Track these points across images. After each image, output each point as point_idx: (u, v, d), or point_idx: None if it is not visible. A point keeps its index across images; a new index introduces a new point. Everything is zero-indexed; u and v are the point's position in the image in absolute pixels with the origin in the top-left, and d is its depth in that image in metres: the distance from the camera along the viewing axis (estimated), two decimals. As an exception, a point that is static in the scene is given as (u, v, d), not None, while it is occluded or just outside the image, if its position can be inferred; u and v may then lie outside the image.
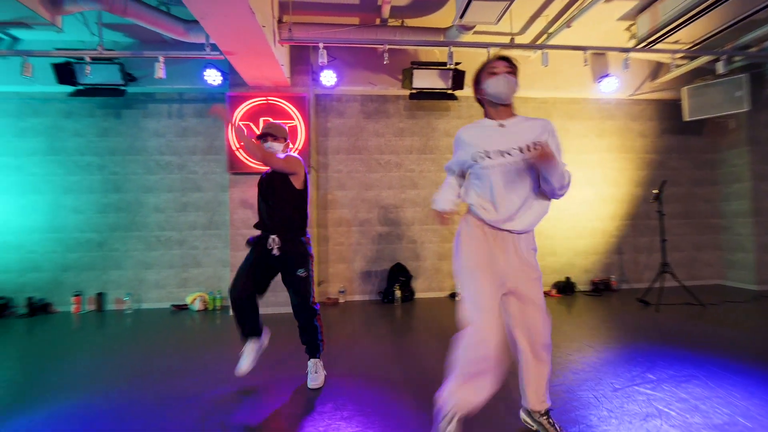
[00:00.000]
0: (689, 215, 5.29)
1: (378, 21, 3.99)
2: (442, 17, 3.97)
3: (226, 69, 4.29)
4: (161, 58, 3.56)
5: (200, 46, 3.68)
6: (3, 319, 4.26)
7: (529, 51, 4.45)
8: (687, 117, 4.78)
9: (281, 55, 3.87)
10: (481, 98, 1.70)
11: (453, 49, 3.92)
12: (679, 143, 5.29)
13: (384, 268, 4.81)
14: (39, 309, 4.43)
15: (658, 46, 4.04)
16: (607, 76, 4.79)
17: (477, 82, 1.67)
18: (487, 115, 1.69)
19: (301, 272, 2.26)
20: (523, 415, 1.79)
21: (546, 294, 4.85)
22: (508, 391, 2.06)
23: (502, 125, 1.62)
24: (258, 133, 2.59)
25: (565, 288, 4.84)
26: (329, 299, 4.68)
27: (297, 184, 2.29)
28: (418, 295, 4.86)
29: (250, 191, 4.39)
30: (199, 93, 4.72)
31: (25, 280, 4.52)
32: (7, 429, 1.86)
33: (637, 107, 5.25)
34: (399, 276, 4.69)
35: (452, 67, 4.28)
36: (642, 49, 4.04)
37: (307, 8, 3.85)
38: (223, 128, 4.67)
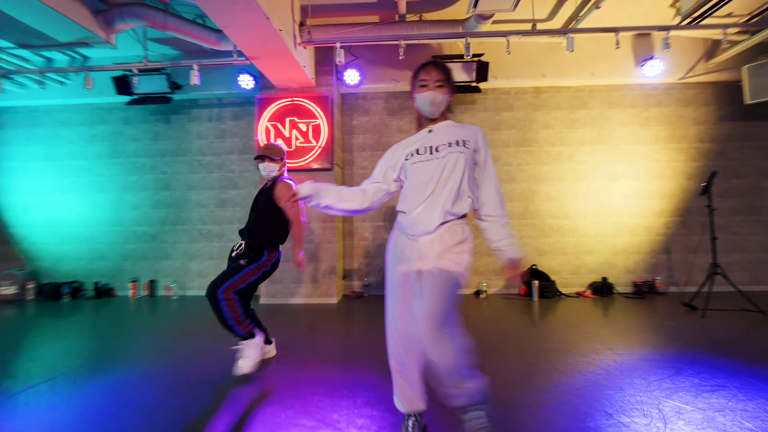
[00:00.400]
0: (754, 211, 4.68)
1: (396, 17, 4.02)
2: (461, 8, 3.90)
3: (257, 74, 4.58)
4: (195, 66, 3.90)
5: (230, 53, 3.97)
6: (76, 300, 4.93)
7: (559, 37, 4.22)
8: (748, 100, 4.22)
9: (303, 56, 4.05)
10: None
11: (476, 39, 3.84)
12: (742, 130, 4.69)
13: (407, 263, 4.83)
14: (103, 293, 5.07)
15: (707, 21, 3.62)
16: (650, 58, 4.39)
17: (411, 90, 1.58)
18: (419, 126, 1.63)
19: (242, 261, 2.40)
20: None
21: (580, 294, 4.58)
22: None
23: (430, 131, 1.55)
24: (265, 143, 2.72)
25: (601, 289, 4.52)
26: (354, 293, 4.81)
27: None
28: (442, 291, 4.82)
29: (278, 188, 4.65)
30: (235, 97, 5.08)
31: (93, 267, 5.19)
32: (85, 391, 2.18)
33: (690, 91, 4.73)
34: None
35: (474, 59, 4.20)
36: (687, 27, 3.65)
37: (327, 10, 4.00)
38: (247, 129, 4.99)
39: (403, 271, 1.49)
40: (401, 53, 3.68)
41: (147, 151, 5.21)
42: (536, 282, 4.40)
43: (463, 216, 1.49)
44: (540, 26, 4.22)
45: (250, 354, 2.34)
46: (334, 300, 4.47)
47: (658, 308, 3.90)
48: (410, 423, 1.55)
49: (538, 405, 1.91)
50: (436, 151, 1.48)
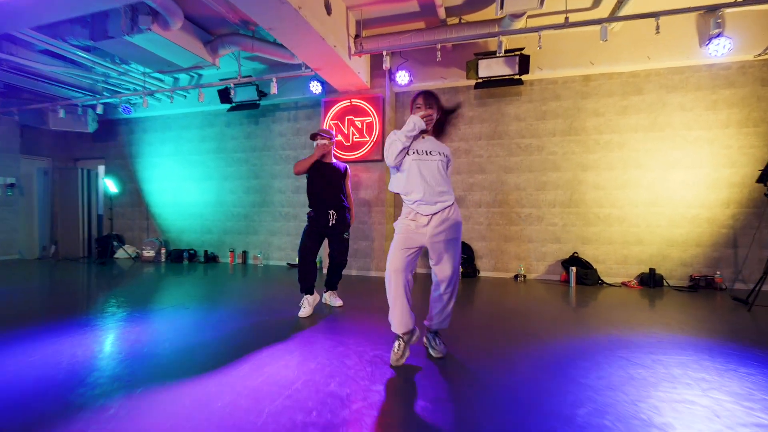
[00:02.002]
0: None
1: (439, 21, 4.45)
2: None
3: (322, 80, 5.42)
4: (274, 79, 4.86)
5: (301, 66, 4.85)
6: (192, 263, 6.44)
7: (610, 24, 4.19)
8: (840, 76, 3.70)
9: (358, 64, 4.74)
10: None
11: (516, 36, 4.09)
12: None
13: (450, 246, 5.28)
14: (211, 259, 6.51)
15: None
16: (718, 35, 4.09)
17: (410, 108, 2.25)
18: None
19: (346, 235, 3.36)
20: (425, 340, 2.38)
21: (625, 284, 4.54)
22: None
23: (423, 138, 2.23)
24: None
25: (648, 280, 4.42)
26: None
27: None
28: (483, 274, 5.17)
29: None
30: (307, 101, 6.02)
31: (203, 238, 6.68)
32: (207, 318, 3.25)
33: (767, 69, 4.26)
34: (461, 254, 5.10)
35: (516, 53, 4.44)
36: (745, 2, 3.41)
37: (378, 22, 4.60)
38: (317, 127, 5.88)
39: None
40: (438, 56, 4.13)
41: (242, 147, 6.48)
42: (574, 268, 4.50)
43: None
44: (584, 15, 4.26)
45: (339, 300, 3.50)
46: (382, 274, 5.15)
47: (706, 303, 3.76)
48: (399, 343, 2.15)
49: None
50: (427, 153, 2.15)
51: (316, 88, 5.42)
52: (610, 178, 4.74)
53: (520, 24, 3.97)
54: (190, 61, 4.95)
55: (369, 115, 5.10)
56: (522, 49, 4.51)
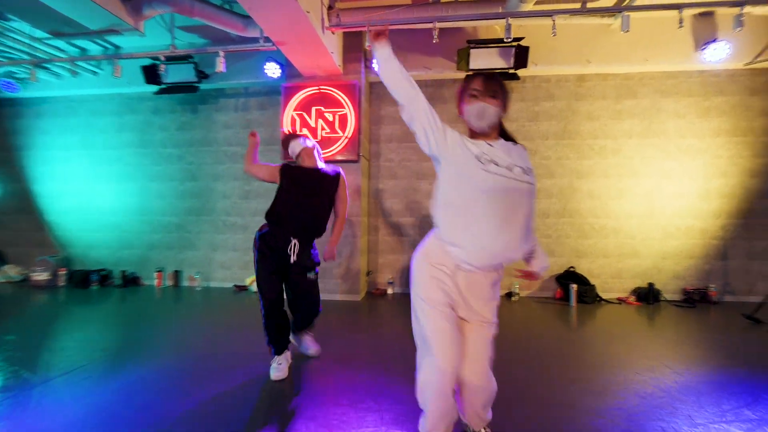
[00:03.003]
0: (832, 215, 4.14)
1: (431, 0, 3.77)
2: (501, -13, 3.59)
3: (283, 61, 4.44)
4: (221, 53, 3.80)
5: (257, 40, 3.84)
6: (104, 287, 5.00)
7: (609, 18, 3.84)
8: (832, 87, 3.70)
9: (331, 42, 3.87)
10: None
11: (515, 23, 3.54)
12: (821, 122, 4.16)
13: (434, 261, 4.61)
14: (130, 281, 5.12)
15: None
16: (713, 41, 3.93)
17: (459, 99, 1.44)
18: (471, 136, 1.42)
19: (311, 275, 2.37)
20: None
21: (622, 301, 4.21)
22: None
23: (491, 144, 1.34)
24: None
25: (647, 295, 4.14)
26: (378, 290, 4.63)
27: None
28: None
29: (302, 179, 4.53)
30: (261, 86, 4.97)
31: (120, 255, 5.25)
32: (100, 388, 2.11)
33: (760, 78, 4.23)
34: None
35: (513, 43, 3.90)
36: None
37: (356, -7, 3.79)
38: (273, 119, 4.88)
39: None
40: (435, 36, 3.43)
41: (174, 141, 5.20)
42: (575, 286, 4.07)
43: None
44: (590, 5, 3.86)
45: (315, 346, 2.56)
46: (357, 297, 4.31)
47: (714, 320, 3.51)
48: None
49: (593, 432, 1.65)
50: (509, 169, 1.28)
51: (273, 71, 4.43)
52: (605, 187, 4.41)
53: (528, 7, 3.42)
54: (100, 21, 3.69)
55: (342, 107, 4.24)
56: (521, 39, 4.00)
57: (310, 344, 2.54)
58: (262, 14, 3.07)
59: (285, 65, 4.42)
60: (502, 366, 1.79)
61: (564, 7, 3.54)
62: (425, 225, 4.66)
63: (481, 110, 1.33)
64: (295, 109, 4.32)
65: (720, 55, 3.90)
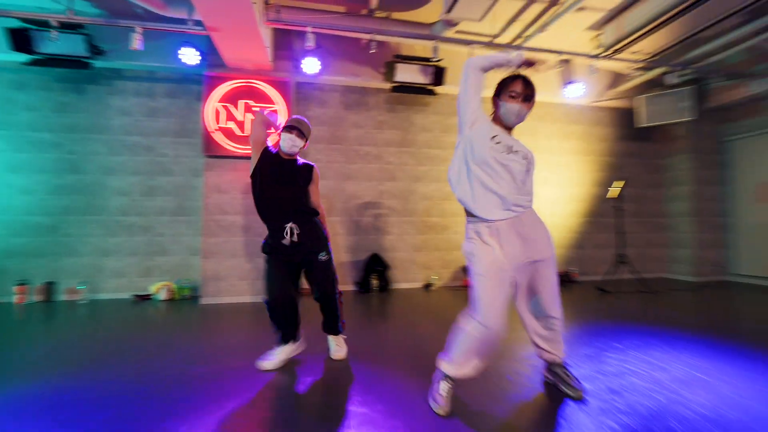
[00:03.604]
0: (640, 214, 5.79)
1: (365, 11, 4.03)
2: (428, 12, 4.08)
3: (204, 48, 4.12)
4: (139, 29, 3.36)
5: (179, 21, 3.52)
6: (-69, 309, 3.76)
7: (505, 52, 4.70)
8: (643, 123, 5.25)
9: (266, 36, 3.80)
10: (494, 106, 1.81)
11: (431, 45, 4.06)
12: (633, 148, 5.80)
13: (361, 258, 4.82)
14: (-25, 299, 3.97)
15: (622, 55, 4.42)
16: (572, 82, 5.14)
17: (497, 94, 1.78)
18: (495, 121, 1.81)
19: (323, 257, 2.32)
20: (545, 373, 1.95)
21: (515, 285, 5.08)
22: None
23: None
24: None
25: (532, 280, 5.09)
26: (306, 289, 4.59)
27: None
28: (395, 285, 4.91)
29: (226, 175, 4.24)
30: (172, 72, 4.49)
31: (-41, 266, 4.04)
32: None
33: (599, 113, 5.69)
34: (375, 266, 4.72)
35: (435, 63, 4.43)
36: (607, 57, 4.40)
37: (293, -8, 3.82)
38: (197, 110, 4.48)
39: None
40: (373, 46, 3.70)
41: (47, 124, 4.27)
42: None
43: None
44: (486, 40, 4.65)
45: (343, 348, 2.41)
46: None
47: (579, 293, 4.56)
48: (446, 386, 1.64)
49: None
50: (525, 159, 1.72)
51: (190, 56, 4.06)
52: (500, 191, 5.29)
53: (449, 34, 3.97)
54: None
55: (273, 103, 4.15)
56: (439, 60, 4.56)
57: (339, 348, 2.40)
58: (201, -4, 2.87)
59: (206, 53, 4.12)
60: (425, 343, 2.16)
61: (476, 38, 4.22)
62: (351, 225, 4.84)
63: (518, 112, 1.68)
64: (219, 101, 4.05)
65: (577, 93, 5.12)
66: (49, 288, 4.17)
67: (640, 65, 4.62)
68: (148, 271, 4.42)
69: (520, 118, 1.72)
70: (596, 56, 4.33)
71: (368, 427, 1.51)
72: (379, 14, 4.12)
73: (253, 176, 2.21)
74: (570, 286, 5.00)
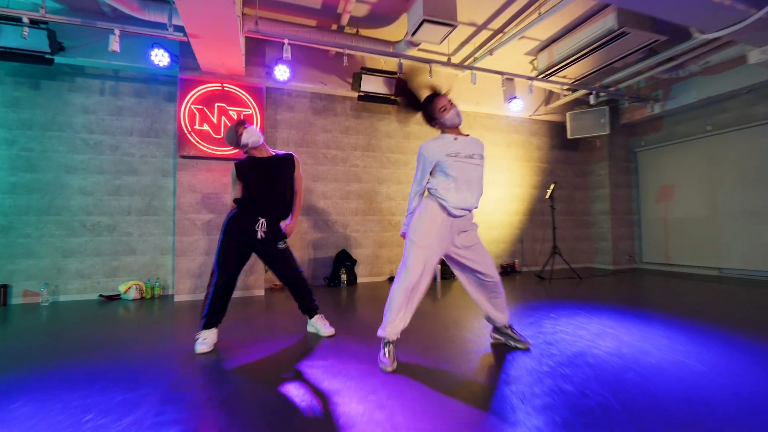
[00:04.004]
0: (570, 213, 6.75)
1: (335, 27, 4.39)
2: (393, 32, 4.55)
3: (176, 51, 4.23)
4: (117, 31, 3.42)
5: (157, 25, 3.62)
6: None
7: (459, 70, 5.31)
8: (570, 136, 6.17)
9: (241, 44, 4.01)
10: (436, 124, 2.21)
11: (392, 61, 4.53)
12: (564, 156, 6.74)
13: (330, 255, 5.15)
14: None
15: (553, 78, 5.23)
16: (514, 98, 5.90)
17: (431, 117, 2.17)
18: (444, 132, 2.21)
19: (281, 245, 2.62)
20: (493, 334, 2.44)
21: (468, 276, 5.71)
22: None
23: (456, 138, 2.16)
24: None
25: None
26: (276, 285, 4.83)
27: None
28: (360, 279, 5.30)
29: (200, 175, 4.36)
30: (138, 72, 4.50)
31: None
32: None
33: (535, 125, 6.54)
34: (345, 261, 5.08)
35: (399, 75, 4.91)
36: (541, 79, 5.17)
37: (269, 5, 4.06)
38: (165, 110, 4.53)
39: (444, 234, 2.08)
40: (345, 60, 4.08)
41: (2, 120, 4.09)
42: (439, 266, 5.33)
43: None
44: (443, 59, 5.24)
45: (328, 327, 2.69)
46: (261, 292, 4.44)
47: (520, 281, 5.28)
48: (388, 349, 2.08)
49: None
50: (471, 158, 2.09)
51: (161, 57, 4.15)
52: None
53: (412, 52, 4.46)
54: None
55: (247, 107, 4.35)
56: (402, 73, 5.04)
57: (323, 325, 2.66)
58: (189, 7, 3.07)
59: (178, 55, 4.22)
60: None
61: (435, 57, 4.76)
62: (320, 223, 5.15)
63: (456, 112, 2.12)
64: (194, 102, 4.17)
65: (517, 107, 5.89)
66: (4, 291, 3.99)
67: (566, 87, 5.48)
68: (114, 271, 4.38)
69: (460, 115, 2.16)
70: (532, 78, 5.08)
71: (327, 376, 1.90)
72: (348, 30, 4.51)
73: (243, 183, 2.50)
74: (513, 276, 5.74)
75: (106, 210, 4.39)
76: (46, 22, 3.67)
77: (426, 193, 2.18)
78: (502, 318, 2.35)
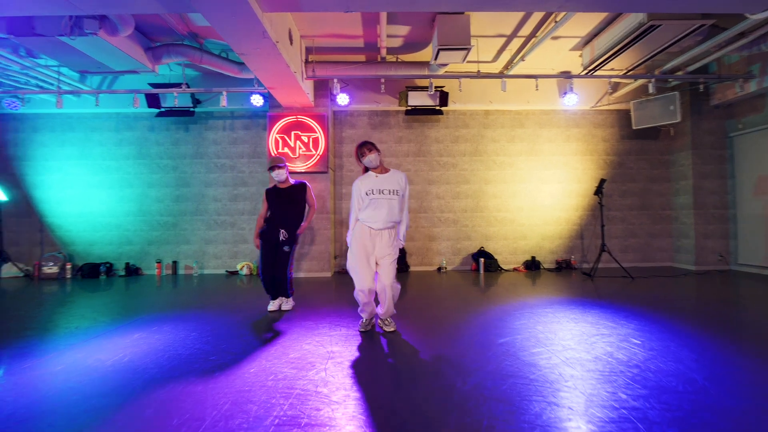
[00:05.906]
0: (645, 207, 6.28)
1: (379, 58, 5.27)
2: (427, 54, 5.21)
3: (266, 95, 5.73)
4: (224, 93, 5.02)
5: (249, 82, 5.11)
6: (110, 277, 5.93)
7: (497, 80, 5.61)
8: (634, 126, 5.78)
9: (307, 85, 5.25)
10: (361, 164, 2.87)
11: (438, 76, 5.18)
12: (638, 146, 6.27)
13: (385, 246, 6.14)
14: (133, 272, 6.09)
15: (599, 72, 5.10)
16: (568, 92, 5.84)
17: (358, 157, 2.82)
18: (366, 171, 2.87)
19: (286, 248, 3.61)
20: (378, 321, 3.06)
21: (516, 270, 6.02)
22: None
23: (377, 176, 2.81)
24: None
25: (531, 265, 5.99)
26: (343, 269, 6.06)
27: None
28: (412, 268, 6.16)
29: (283, 186, 5.84)
30: (245, 111, 6.20)
31: (122, 250, 6.20)
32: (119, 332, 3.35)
33: (600, 116, 6.26)
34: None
35: (438, 89, 5.53)
36: (585, 76, 5.11)
37: (325, 51, 5.19)
38: (263, 137, 6.14)
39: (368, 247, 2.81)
40: (382, 88, 4.95)
41: (169, 153, 6.25)
42: (482, 260, 5.81)
43: (394, 224, 2.83)
44: (485, 66, 5.60)
45: (290, 305, 3.70)
46: (328, 274, 5.72)
47: (566, 278, 5.38)
48: (366, 321, 2.91)
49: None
50: (381, 192, 2.74)
51: (257, 101, 5.68)
52: (503, 189, 6.23)
53: (444, 70, 5.05)
54: (126, 65, 4.76)
55: (314, 132, 5.62)
56: (443, 87, 5.65)
57: (285, 304, 3.74)
58: (262, 73, 4.37)
59: (267, 97, 5.72)
60: (436, 303, 3.37)
61: (468, 70, 5.23)
62: (378, 219, 6.17)
63: (374, 158, 2.78)
64: (279, 132, 5.63)
65: (572, 102, 5.81)
66: (175, 265, 6.17)
67: (613, 80, 5.23)
68: (235, 255, 6.23)
69: (377, 161, 2.76)
70: (572, 75, 5.07)
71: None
72: (390, 59, 5.34)
73: (268, 204, 3.68)
74: (567, 272, 5.80)
75: (229, 212, 6.24)
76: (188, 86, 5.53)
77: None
78: (386, 312, 2.87)
